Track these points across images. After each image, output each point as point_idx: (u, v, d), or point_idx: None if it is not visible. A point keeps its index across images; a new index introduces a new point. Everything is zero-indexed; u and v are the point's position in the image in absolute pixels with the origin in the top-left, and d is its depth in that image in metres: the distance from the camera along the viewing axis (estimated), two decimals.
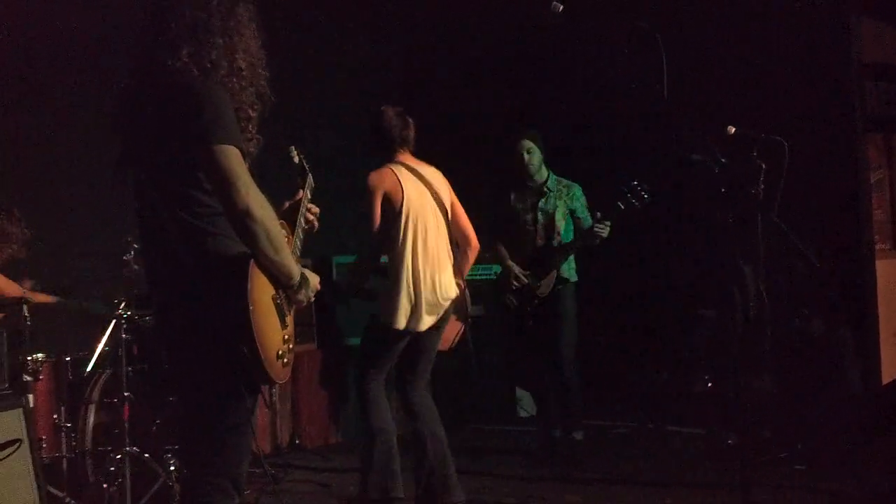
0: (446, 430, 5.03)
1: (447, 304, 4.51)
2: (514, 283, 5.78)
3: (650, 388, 6.99)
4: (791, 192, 4.86)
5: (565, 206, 5.86)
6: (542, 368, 5.96)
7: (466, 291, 4.70)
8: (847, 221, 6.36)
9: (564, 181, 5.95)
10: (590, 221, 5.77)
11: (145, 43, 2.68)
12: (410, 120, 4.66)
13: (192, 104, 2.55)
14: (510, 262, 5.86)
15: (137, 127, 2.69)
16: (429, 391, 4.76)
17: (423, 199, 4.52)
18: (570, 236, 5.85)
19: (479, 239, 4.79)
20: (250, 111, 2.73)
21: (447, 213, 4.61)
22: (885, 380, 6.29)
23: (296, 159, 3.20)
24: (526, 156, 5.84)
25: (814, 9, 6.30)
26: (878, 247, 6.65)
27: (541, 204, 5.86)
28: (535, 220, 5.84)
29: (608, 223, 5.56)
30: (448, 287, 4.52)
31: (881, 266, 6.53)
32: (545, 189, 5.89)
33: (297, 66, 6.42)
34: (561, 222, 5.82)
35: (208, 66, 2.64)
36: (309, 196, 3.11)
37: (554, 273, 5.76)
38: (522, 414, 7.46)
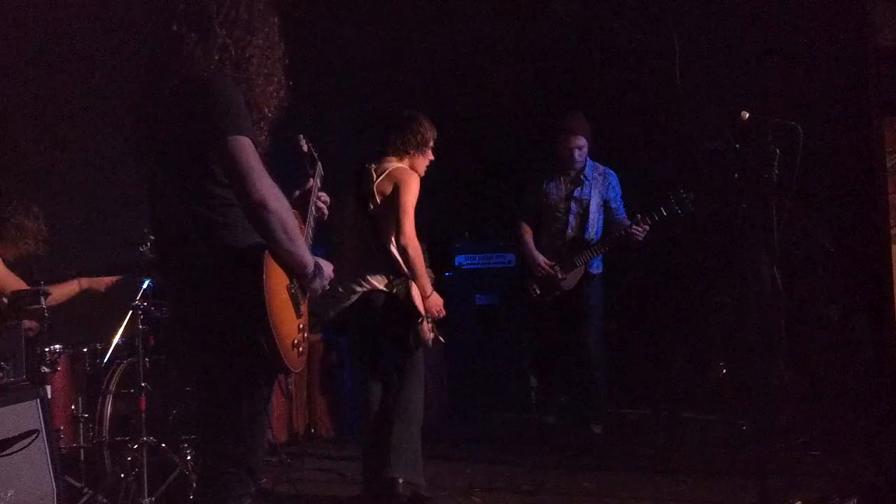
0: (463, 418, 5.12)
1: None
2: (540, 272, 5.74)
3: (665, 375, 6.97)
4: (807, 176, 4.84)
5: (600, 195, 5.74)
6: (557, 359, 5.94)
7: (401, 291, 4.49)
8: (863, 206, 6.32)
9: (601, 167, 5.81)
10: (622, 212, 5.72)
11: (161, 36, 2.68)
12: (414, 124, 4.63)
13: (205, 97, 2.56)
14: (535, 253, 5.81)
15: (152, 120, 2.70)
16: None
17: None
18: (602, 227, 5.77)
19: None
20: (266, 110, 2.74)
21: (368, 211, 4.53)
22: None
23: (304, 148, 3.19)
24: (577, 152, 5.72)
25: None
26: (893, 231, 6.60)
27: (576, 193, 5.77)
28: (569, 210, 5.76)
29: (647, 227, 5.50)
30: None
31: None
32: (582, 177, 5.78)
33: (308, 59, 6.43)
34: (595, 214, 5.74)
35: (223, 60, 2.65)
36: (319, 185, 3.11)
37: (582, 269, 5.72)
38: (536, 401, 7.46)
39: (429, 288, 4.62)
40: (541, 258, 5.78)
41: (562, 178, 5.81)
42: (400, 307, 4.48)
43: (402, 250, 4.49)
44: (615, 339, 6.99)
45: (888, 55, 6.40)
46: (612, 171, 5.83)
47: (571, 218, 5.75)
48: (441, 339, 4.78)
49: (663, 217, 5.47)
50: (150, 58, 2.72)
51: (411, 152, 4.63)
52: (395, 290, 4.48)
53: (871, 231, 6.35)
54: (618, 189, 5.80)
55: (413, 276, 4.51)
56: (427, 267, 4.71)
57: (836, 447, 5.20)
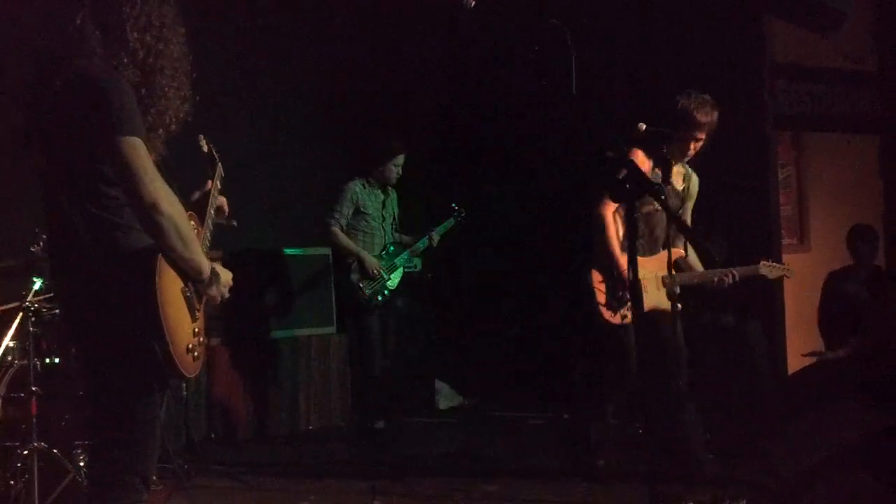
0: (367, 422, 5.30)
1: None
2: (374, 272, 6.06)
3: (566, 380, 7.07)
4: (701, 188, 4.98)
5: (397, 206, 6.37)
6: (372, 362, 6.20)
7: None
8: (755, 217, 6.53)
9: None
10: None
11: (62, 28, 2.61)
12: (680, 102, 4.65)
13: (98, 95, 2.51)
14: (365, 253, 6.11)
15: (42, 115, 2.62)
16: None
17: None
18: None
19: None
20: (168, 120, 2.69)
21: None
22: (792, 370, 6.48)
23: (205, 148, 3.13)
24: (395, 168, 6.19)
25: (726, 9, 6.45)
26: (785, 242, 6.85)
27: (387, 203, 6.28)
28: (383, 219, 6.24)
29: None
30: None
31: (788, 260, 6.69)
32: (389, 190, 6.31)
33: (226, 60, 6.40)
34: (397, 222, 6.34)
35: (129, 63, 2.59)
36: (219, 186, 3.06)
37: (401, 269, 6.21)
38: (442, 406, 7.51)
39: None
40: (372, 259, 6.13)
41: (374, 189, 6.26)
42: None
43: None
44: (516, 344, 7.10)
45: (782, 71, 6.64)
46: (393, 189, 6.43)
47: (386, 225, 6.26)
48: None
49: (450, 229, 6.30)
50: (48, 49, 2.63)
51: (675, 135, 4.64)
52: None
53: (764, 241, 6.57)
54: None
55: None
56: None
57: (729, 451, 5.34)
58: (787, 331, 6.61)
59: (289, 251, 6.87)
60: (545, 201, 7.15)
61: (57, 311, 4.58)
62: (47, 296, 4.62)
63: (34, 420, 4.40)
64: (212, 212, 2.99)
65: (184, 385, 5.74)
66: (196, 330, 2.73)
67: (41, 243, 4.50)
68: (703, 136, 4.72)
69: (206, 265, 2.67)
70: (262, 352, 6.78)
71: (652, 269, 4.75)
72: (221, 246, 5.53)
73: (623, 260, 4.60)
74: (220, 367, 6.54)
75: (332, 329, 7.05)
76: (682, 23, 6.44)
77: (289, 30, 7.16)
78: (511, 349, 7.26)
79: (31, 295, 4.57)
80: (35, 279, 4.60)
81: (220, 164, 3.12)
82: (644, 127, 4.10)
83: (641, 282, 4.47)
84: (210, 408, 6.47)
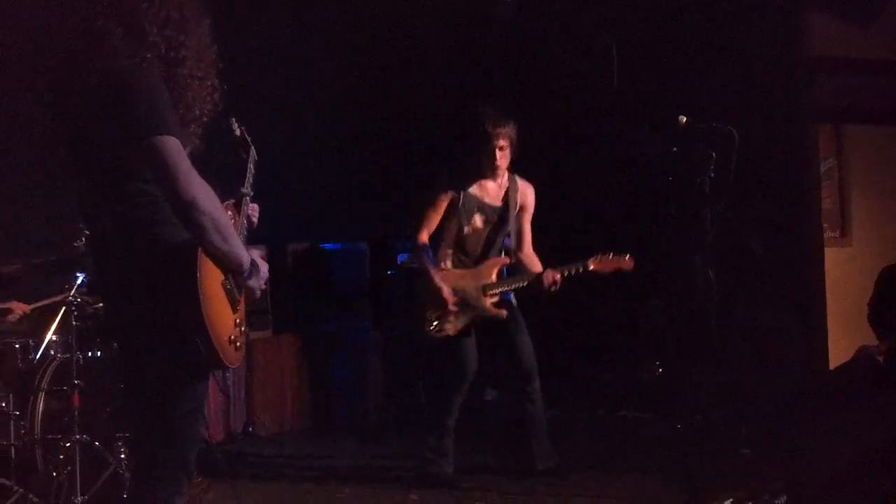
0: (402, 416, 5.29)
1: None
2: None
3: (602, 375, 7.06)
4: (742, 181, 4.93)
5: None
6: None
7: None
8: (797, 210, 6.46)
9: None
10: None
11: (83, 30, 2.58)
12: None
13: (126, 94, 2.49)
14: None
15: (69, 118, 2.62)
16: None
17: None
18: None
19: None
20: (199, 112, 2.68)
21: None
22: (833, 366, 6.40)
23: (237, 132, 3.10)
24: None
25: (765, 1, 6.38)
26: (826, 235, 6.76)
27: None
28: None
29: None
30: None
31: (830, 254, 6.64)
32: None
33: (254, 57, 6.41)
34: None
35: (153, 59, 2.58)
36: (253, 171, 3.06)
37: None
38: (488, 397, 7.50)
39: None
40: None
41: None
42: None
43: None
44: (552, 339, 7.06)
45: (821, 63, 6.56)
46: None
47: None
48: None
49: None
50: (69, 53, 2.60)
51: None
52: None
53: (804, 235, 6.50)
54: None
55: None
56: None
57: (767, 446, 5.30)
58: (828, 326, 6.53)
59: (327, 246, 6.90)
60: (584, 195, 7.11)
61: (98, 305, 4.64)
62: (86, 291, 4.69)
63: (76, 413, 4.45)
64: (247, 199, 2.99)
65: (227, 375, 5.79)
66: (237, 321, 2.74)
67: (84, 238, 4.56)
68: (505, 143, 4.99)
69: (245, 257, 2.68)
70: (299, 346, 6.82)
71: (476, 279, 5.12)
72: (261, 241, 5.59)
73: (437, 278, 5.00)
74: (259, 362, 6.59)
75: (366, 324, 7.07)
76: (720, 16, 6.38)
77: (316, 25, 7.15)
78: (548, 345, 7.22)
79: (73, 290, 4.63)
80: (78, 274, 4.66)
81: (252, 147, 3.11)
82: (685, 119, 4.05)
83: (465, 291, 5.05)
84: (249, 401, 6.52)
